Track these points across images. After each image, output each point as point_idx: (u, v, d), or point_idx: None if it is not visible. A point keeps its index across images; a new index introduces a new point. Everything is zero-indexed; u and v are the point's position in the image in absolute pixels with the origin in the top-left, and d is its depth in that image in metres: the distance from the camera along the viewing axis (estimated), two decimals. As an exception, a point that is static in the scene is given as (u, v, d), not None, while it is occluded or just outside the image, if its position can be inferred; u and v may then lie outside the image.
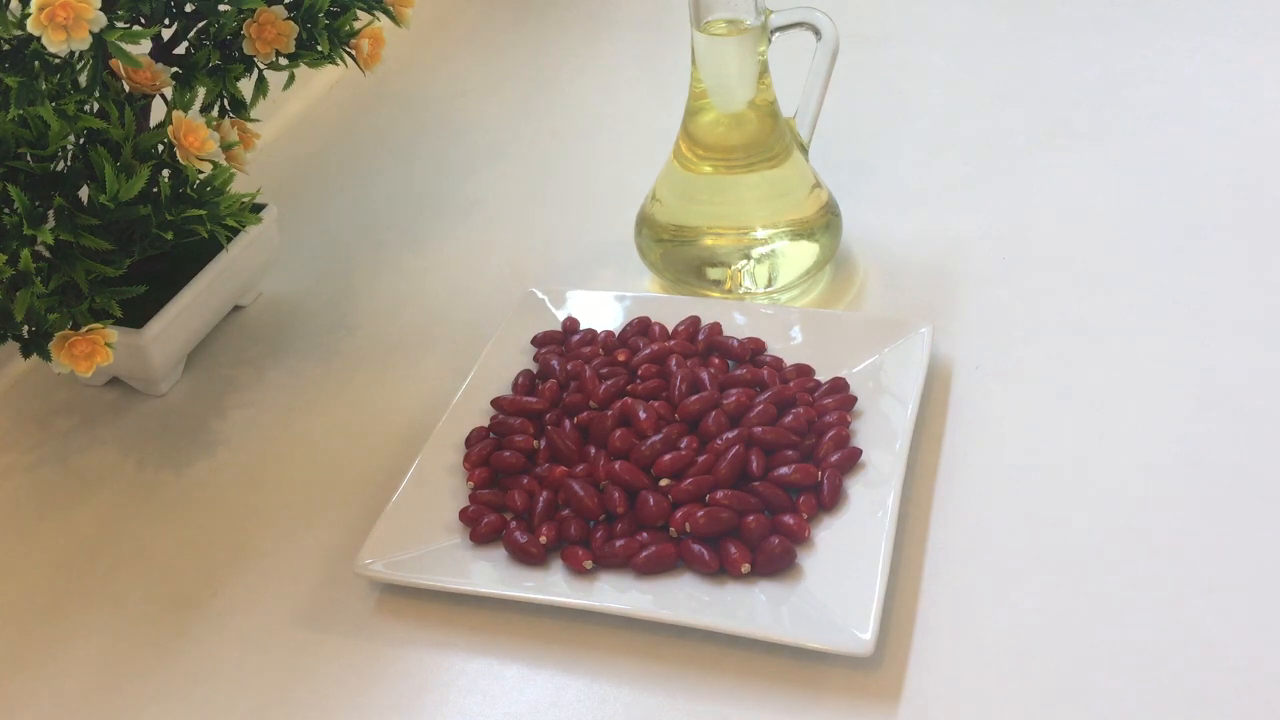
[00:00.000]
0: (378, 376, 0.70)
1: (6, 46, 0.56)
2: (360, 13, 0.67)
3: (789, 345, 0.64)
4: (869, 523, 0.54)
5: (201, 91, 0.65)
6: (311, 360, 0.72)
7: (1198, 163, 0.76)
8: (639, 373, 0.62)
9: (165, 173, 0.62)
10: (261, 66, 0.66)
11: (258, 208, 0.72)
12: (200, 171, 0.61)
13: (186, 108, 0.64)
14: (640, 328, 0.66)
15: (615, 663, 0.51)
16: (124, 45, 0.55)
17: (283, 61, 0.66)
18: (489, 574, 0.55)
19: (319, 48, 0.65)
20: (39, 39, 0.53)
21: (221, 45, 0.65)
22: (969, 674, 0.49)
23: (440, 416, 0.62)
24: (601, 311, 0.68)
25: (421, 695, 0.51)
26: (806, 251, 0.68)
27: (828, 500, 0.55)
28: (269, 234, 0.74)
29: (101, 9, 0.54)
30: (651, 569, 0.53)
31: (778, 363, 0.63)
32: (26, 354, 0.61)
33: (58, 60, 0.56)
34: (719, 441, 0.57)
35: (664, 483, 0.56)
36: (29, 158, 0.61)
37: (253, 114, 0.68)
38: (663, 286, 0.71)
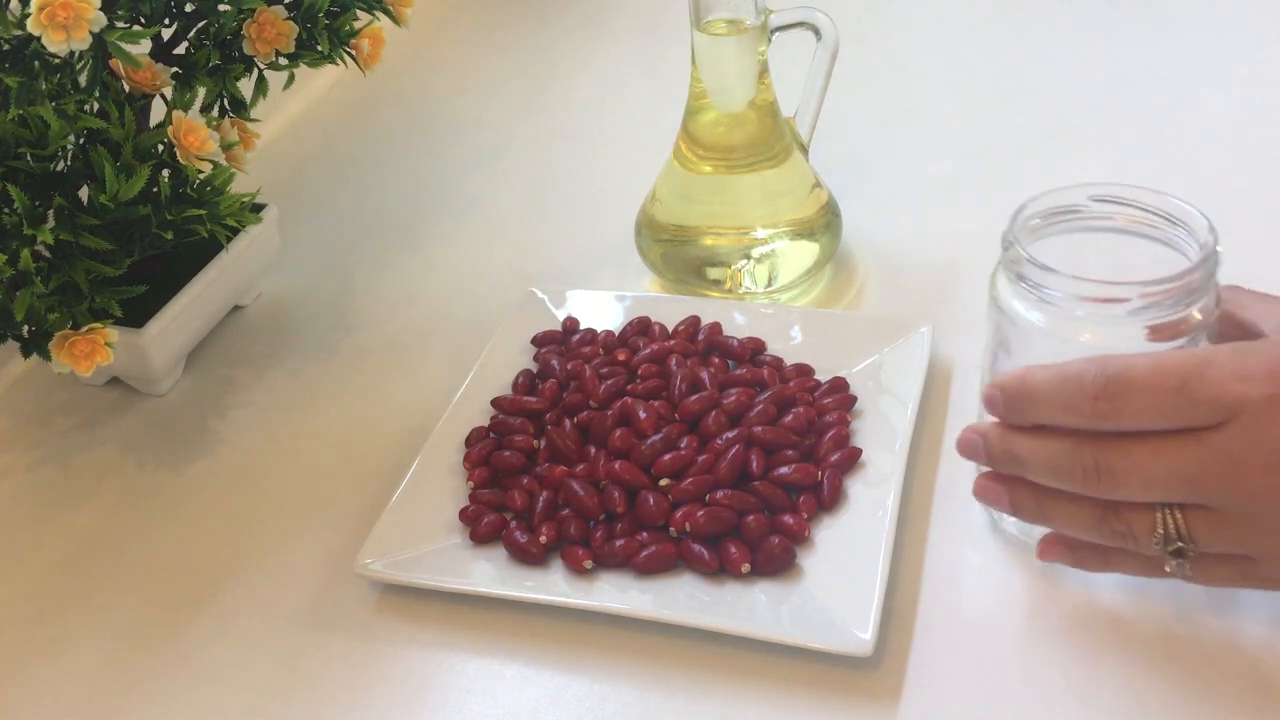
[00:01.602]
0: (378, 376, 0.70)
1: (6, 46, 0.56)
2: (360, 12, 0.67)
3: (789, 345, 0.64)
4: (869, 523, 0.54)
5: (201, 91, 0.65)
6: (311, 360, 0.72)
7: (1198, 163, 0.76)
8: (639, 373, 0.62)
9: (165, 173, 0.62)
10: (261, 66, 0.66)
11: (258, 208, 0.72)
12: (200, 171, 0.61)
13: (186, 108, 0.64)
14: (640, 328, 0.66)
15: (615, 663, 0.51)
16: (124, 45, 0.55)
17: (283, 61, 0.66)
18: (489, 574, 0.55)
19: (319, 48, 0.65)
20: (39, 39, 0.53)
21: (221, 45, 0.65)
22: (969, 674, 0.49)
23: (440, 416, 0.62)
24: (601, 311, 0.68)
25: (421, 695, 0.51)
26: (806, 251, 0.68)
27: (828, 500, 0.55)
28: (269, 234, 0.74)
29: (101, 9, 0.54)
30: (651, 569, 0.53)
31: (778, 362, 0.63)
32: (26, 354, 0.61)
33: (58, 60, 0.56)
34: (719, 441, 0.57)
35: (664, 482, 0.56)
36: (29, 158, 0.61)
37: (253, 114, 0.68)
38: (663, 286, 0.71)
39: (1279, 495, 0.41)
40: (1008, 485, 0.48)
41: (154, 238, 0.61)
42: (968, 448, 0.48)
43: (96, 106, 0.61)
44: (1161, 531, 0.44)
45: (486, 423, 0.62)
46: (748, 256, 0.68)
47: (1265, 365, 0.42)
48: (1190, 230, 0.49)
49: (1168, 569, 0.45)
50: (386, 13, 0.68)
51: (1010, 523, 0.53)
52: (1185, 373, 0.42)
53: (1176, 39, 0.88)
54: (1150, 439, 0.43)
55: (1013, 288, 0.49)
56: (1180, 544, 0.44)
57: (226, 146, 0.65)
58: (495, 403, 0.63)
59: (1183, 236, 0.49)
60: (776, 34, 0.65)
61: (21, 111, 0.57)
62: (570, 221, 0.80)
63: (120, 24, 0.58)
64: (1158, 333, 0.46)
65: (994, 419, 0.48)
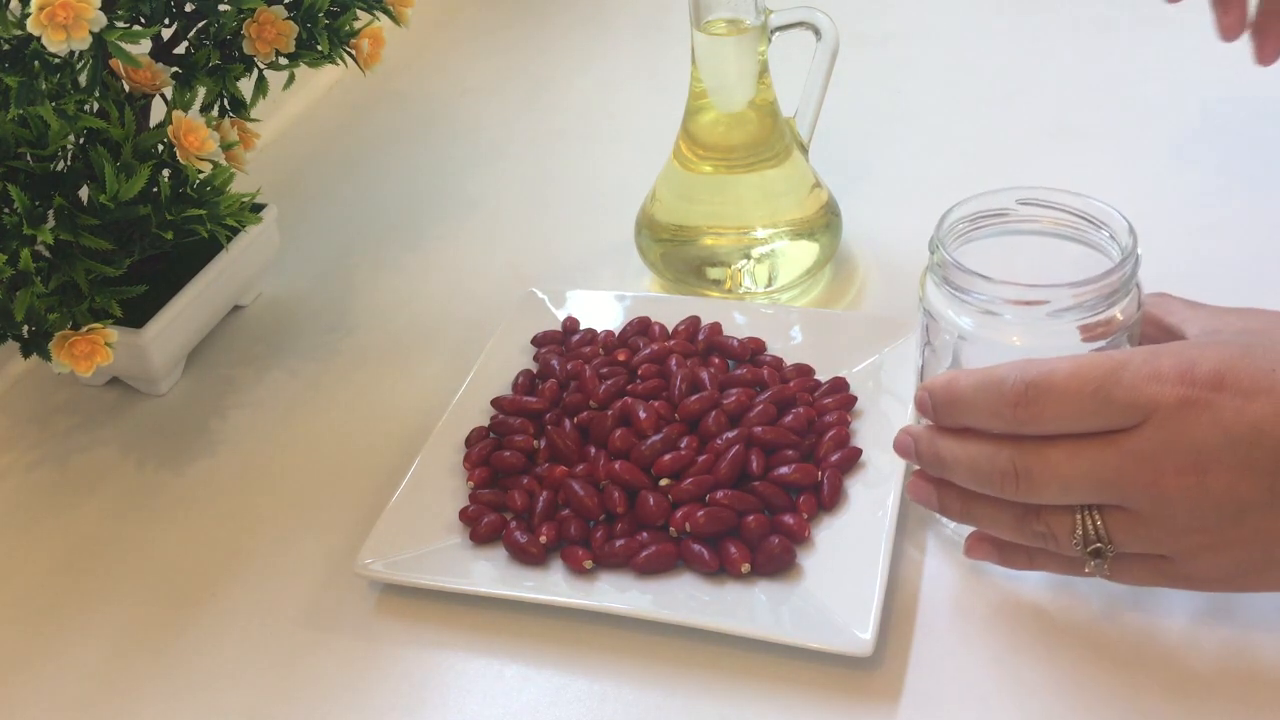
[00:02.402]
0: (378, 376, 0.70)
1: (6, 46, 0.56)
2: (360, 12, 0.67)
3: (789, 345, 0.64)
4: (869, 523, 0.54)
5: (201, 91, 0.65)
6: (311, 360, 0.72)
7: (1198, 162, 0.76)
8: (639, 372, 0.62)
9: (165, 173, 0.62)
10: (261, 66, 0.66)
11: (258, 208, 0.72)
12: (200, 171, 0.61)
13: (186, 108, 0.64)
14: (640, 327, 0.66)
15: (615, 663, 0.51)
16: (124, 45, 0.55)
17: (283, 61, 0.66)
18: (489, 574, 0.55)
19: (319, 48, 0.65)
20: (39, 39, 0.53)
21: (221, 45, 0.65)
22: (969, 674, 0.49)
23: (440, 416, 0.62)
24: (601, 311, 0.68)
25: (421, 695, 0.51)
26: (806, 251, 0.68)
27: (828, 500, 0.55)
28: (269, 234, 0.74)
29: (101, 9, 0.54)
30: (651, 569, 0.53)
31: (778, 362, 0.63)
32: (26, 354, 0.61)
33: (58, 60, 0.56)
34: (719, 441, 0.57)
35: (664, 483, 0.56)
36: (29, 158, 0.61)
37: (253, 114, 0.68)
38: (663, 286, 0.71)
39: (1192, 495, 0.42)
40: (937, 486, 0.49)
41: (154, 238, 0.61)
42: (901, 448, 0.50)
43: (96, 106, 0.61)
44: (1080, 533, 0.45)
45: (486, 423, 0.62)
46: (748, 256, 0.68)
47: (1178, 367, 0.43)
48: (1113, 233, 0.49)
49: (1087, 569, 0.46)
50: (386, 13, 0.68)
51: (947, 520, 0.54)
52: (1101, 376, 0.43)
53: (1176, 39, 0.88)
54: (1068, 442, 0.44)
55: (939, 291, 0.50)
56: (1099, 545, 0.45)
57: (226, 146, 0.65)
58: (495, 403, 0.63)
59: (1106, 239, 0.50)
60: (776, 34, 0.65)
61: (21, 111, 0.57)
62: (570, 221, 0.80)
63: (120, 24, 0.58)
64: (1087, 333, 0.48)
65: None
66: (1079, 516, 0.45)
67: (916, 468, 0.50)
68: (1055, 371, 0.44)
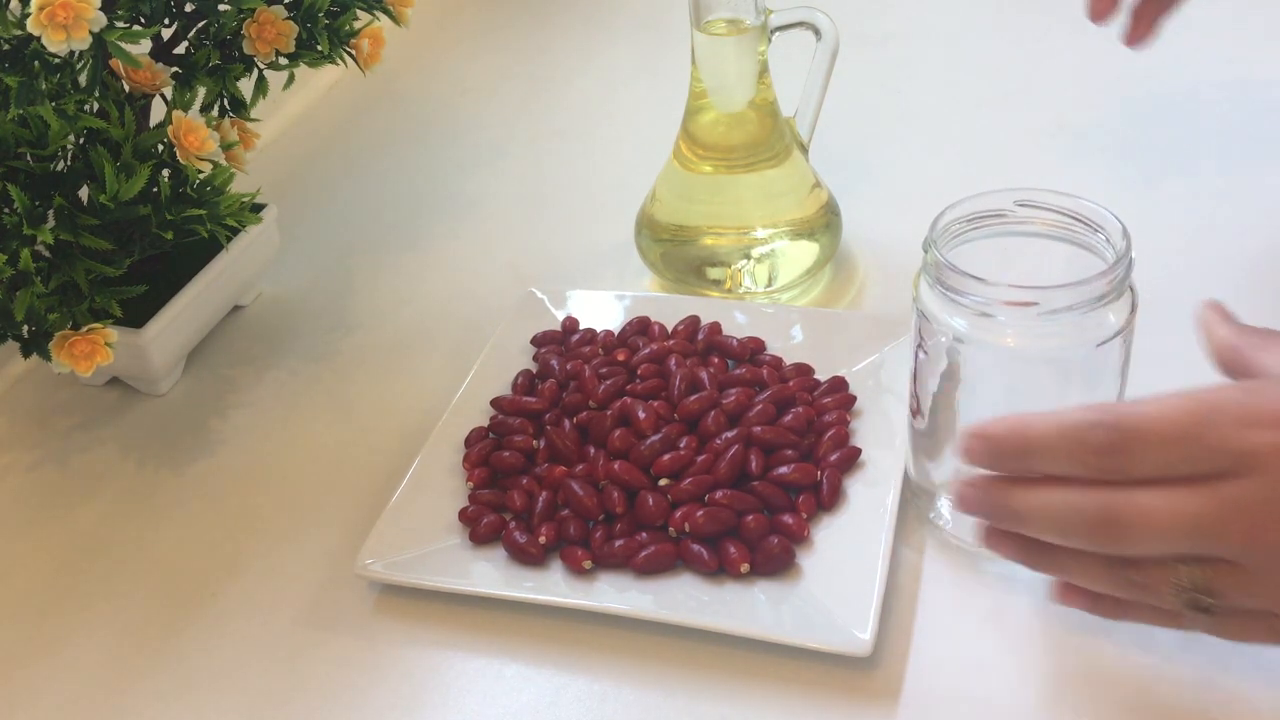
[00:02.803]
0: (378, 376, 0.70)
1: (6, 46, 0.56)
2: (360, 12, 0.67)
3: (789, 344, 0.64)
4: (868, 522, 0.54)
5: (201, 91, 0.65)
6: (311, 360, 0.72)
7: (1198, 163, 0.76)
8: (638, 372, 0.62)
9: (165, 173, 0.62)
10: (261, 66, 0.66)
11: (258, 208, 0.72)
12: (200, 171, 0.61)
13: (186, 108, 0.64)
14: (640, 327, 0.66)
15: (615, 663, 0.51)
16: (124, 45, 0.55)
17: (283, 61, 0.66)
18: (489, 574, 0.55)
19: (319, 48, 0.65)
20: (39, 39, 0.53)
21: (221, 45, 0.65)
22: (969, 674, 0.49)
23: (440, 416, 0.62)
24: (601, 311, 0.68)
25: (421, 695, 0.51)
26: (806, 251, 0.68)
27: (827, 500, 0.55)
28: (269, 234, 0.74)
29: (101, 9, 0.54)
30: (651, 569, 0.53)
31: (777, 362, 0.63)
32: (26, 354, 0.61)
33: (58, 60, 0.56)
34: (718, 441, 0.57)
35: (663, 482, 0.56)
36: (29, 158, 0.61)
37: (253, 114, 0.68)
38: (663, 286, 0.71)
39: None
40: (1020, 538, 0.45)
41: (154, 238, 0.61)
42: (966, 503, 0.45)
43: (96, 106, 0.61)
44: (1178, 583, 0.41)
45: (486, 423, 0.62)
46: (748, 256, 0.68)
47: (1275, 410, 0.40)
48: (1108, 235, 0.49)
49: (1187, 622, 0.43)
50: (386, 13, 0.68)
51: (942, 518, 0.54)
52: (1192, 421, 0.40)
53: (1176, 39, 0.88)
54: (1159, 489, 0.40)
55: (932, 292, 0.50)
56: (1198, 596, 0.41)
57: (226, 146, 0.65)
58: (495, 403, 0.63)
59: (1102, 242, 0.49)
60: (776, 34, 0.65)
61: (21, 111, 0.57)
62: (570, 221, 0.80)
63: (120, 24, 0.58)
64: (1081, 335, 0.47)
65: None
66: (1178, 567, 0.41)
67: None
68: (1143, 416, 0.40)
